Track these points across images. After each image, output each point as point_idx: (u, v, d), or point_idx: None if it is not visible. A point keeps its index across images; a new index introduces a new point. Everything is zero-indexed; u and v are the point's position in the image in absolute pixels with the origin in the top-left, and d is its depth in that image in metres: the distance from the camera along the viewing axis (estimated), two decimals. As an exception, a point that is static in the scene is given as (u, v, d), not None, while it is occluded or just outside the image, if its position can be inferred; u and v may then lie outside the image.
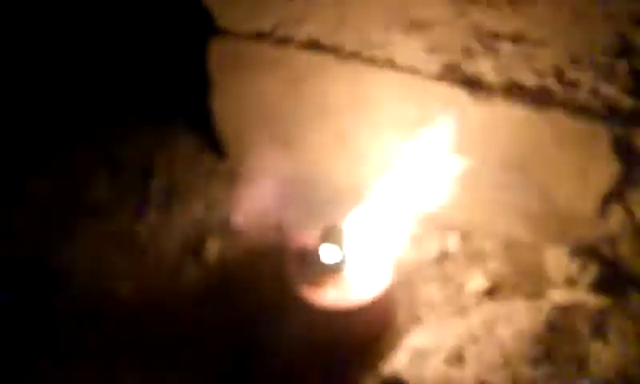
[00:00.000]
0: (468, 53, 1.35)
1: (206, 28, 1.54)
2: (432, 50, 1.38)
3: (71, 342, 1.42)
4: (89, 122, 1.78)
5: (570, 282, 1.45)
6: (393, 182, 1.45)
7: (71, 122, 1.78)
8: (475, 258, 1.55)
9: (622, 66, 1.24)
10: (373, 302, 1.35)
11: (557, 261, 1.49)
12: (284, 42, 1.49)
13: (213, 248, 1.58)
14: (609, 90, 1.28)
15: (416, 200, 1.47)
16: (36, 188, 1.67)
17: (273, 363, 1.37)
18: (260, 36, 1.49)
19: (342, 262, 1.38)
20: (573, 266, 1.46)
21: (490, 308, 1.37)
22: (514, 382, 1.22)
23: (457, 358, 1.26)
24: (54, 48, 1.82)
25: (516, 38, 1.30)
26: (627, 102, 1.28)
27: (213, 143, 1.71)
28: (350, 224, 1.41)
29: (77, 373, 1.37)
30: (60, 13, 1.82)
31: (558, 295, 1.41)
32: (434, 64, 1.39)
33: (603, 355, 1.26)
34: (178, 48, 1.73)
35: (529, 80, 1.34)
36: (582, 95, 1.31)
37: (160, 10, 1.75)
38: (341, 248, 1.38)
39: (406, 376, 1.26)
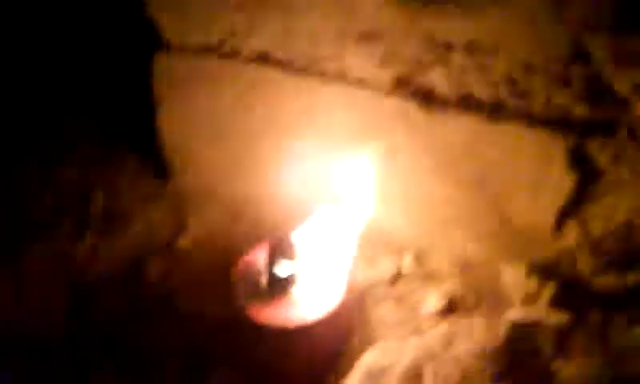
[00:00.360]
0: (420, 64, 1.32)
1: (152, 44, 1.48)
2: (383, 61, 1.33)
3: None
4: (26, 139, 1.68)
5: (529, 300, 1.40)
6: (340, 199, 1.39)
7: (8, 139, 1.68)
8: (430, 277, 1.49)
9: (576, 72, 1.22)
10: (324, 322, 1.28)
11: (514, 279, 1.43)
12: (232, 55, 1.43)
13: (155, 269, 1.49)
14: (563, 99, 1.25)
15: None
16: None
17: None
18: (207, 50, 1.44)
19: (292, 279, 1.31)
20: (531, 284, 1.41)
21: (447, 326, 1.30)
22: (474, 400, 1.15)
23: (413, 377, 1.18)
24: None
25: (469, 48, 1.27)
26: (581, 110, 1.25)
27: (157, 163, 1.63)
28: (299, 241, 1.34)
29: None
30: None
31: (517, 313, 1.35)
32: (385, 76, 1.35)
33: (566, 372, 1.20)
34: (123, 65, 1.65)
35: (482, 91, 1.30)
36: (536, 105, 1.27)
37: (104, 25, 1.67)
38: (290, 265, 1.31)
39: (360, 398, 1.18)
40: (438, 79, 1.32)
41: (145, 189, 1.64)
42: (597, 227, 1.36)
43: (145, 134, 1.59)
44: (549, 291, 1.40)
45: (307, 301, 1.30)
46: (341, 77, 1.37)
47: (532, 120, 1.29)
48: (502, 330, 1.25)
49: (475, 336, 1.24)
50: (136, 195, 1.63)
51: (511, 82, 1.27)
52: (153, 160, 1.63)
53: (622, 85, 1.20)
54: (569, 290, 1.41)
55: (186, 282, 1.46)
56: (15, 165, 1.63)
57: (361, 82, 1.36)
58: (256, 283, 1.31)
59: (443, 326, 1.31)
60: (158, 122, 1.55)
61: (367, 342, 1.34)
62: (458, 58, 1.28)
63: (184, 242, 1.56)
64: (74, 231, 1.54)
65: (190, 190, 1.61)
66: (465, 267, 1.49)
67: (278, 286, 1.30)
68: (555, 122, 1.28)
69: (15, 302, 1.40)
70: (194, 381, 1.31)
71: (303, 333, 1.27)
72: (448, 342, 1.24)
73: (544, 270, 1.43)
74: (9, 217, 1.54)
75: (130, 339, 1.36)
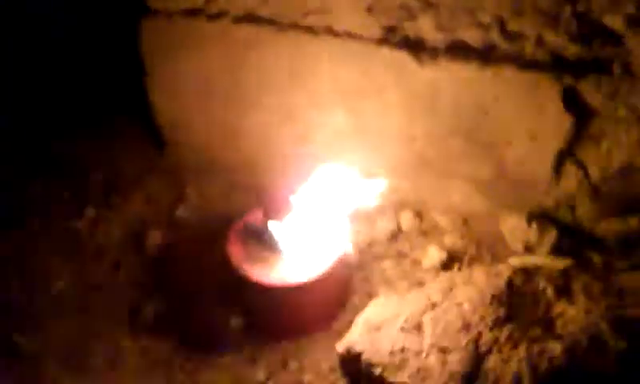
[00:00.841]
0: (408, 11, 1.27)
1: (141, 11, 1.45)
2: (370, 11, 1.28)
3: (4, 342, 1.30)
4: (21, 117, 1.66)
5: (530, 248, 1.37)
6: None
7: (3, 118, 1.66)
8: (430, 233, 1.46)
9: (567, 10, 1.17)
10: (320, 280, 1.26)
11: (515, 228, 1.40)
12: (219, 16, 1.39)
13: (154, 239, 1.47)
14: (554, 39, 1.21)
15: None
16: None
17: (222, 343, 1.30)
18: (193, 12, 1.40)
19: (287, 239, 1.29)
20: (531, 232, 1.38)
21: (448, 277, 1.27)
22: (475, 345, 1.11)
23: (414, 327, 1.16)
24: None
25: (456, -10, 1.23)
26: (574, 49, 1.20)
27: (154, 135, 1.61)
28: (296, 202, 1.32)
29: (8, 374, 1.26)
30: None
31: (518, 260, 1.32)
32: (374, 27, 1.30)
33: (569, 314, 1.17)
34: (115, 36, 1.61)
35: (472, 36, 1.26)
36: (528, 47, 1.23)
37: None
38: (286, 226, 1.29)
39: (360, 348, 1.15)
40: (427, 26, 1.27)
41: (144, 161, 1.62)
42: (595, 171, 1.32)
43: (142, 106, 1.57)
44: (549, 239, 1.37)
45: (303, 260, 1.27)
46: (329, 31, 1.33)
47: (524, 63, 1.25)
48: (502, 277, 1.22)
49: (475, 284, 1.21)
50: (135, 168, 1.60)
51: (501, 23, 1.23)
52: (151, 132, 1.61)
53: (613, 19, 1.16)
54: (569, 237, 1.38)
55: (182, 250, 1.45)
56: (9, 142, 1.62)
57: (349, 35, 1.32)
58: (252, 244, 1.29)
59: (443, 278, 1.29)
60: (149, 91, 1.52)
61: (368, 299, 1.32)
62: (446, 1, 1.24)
63: (182, 211, 1.54)
64: (72, 207, 1.53)
65: (188, 160, 1.58)
66: (464, 221, 1.47)
67: (274, 247, 1.29)
68: (548, 64, 1.24)
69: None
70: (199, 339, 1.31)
71: (299, 290, 1.25)
72: (448, 291, 1.21)
73: (544, 218, 1.40)
74: (10, 194, 1.54)
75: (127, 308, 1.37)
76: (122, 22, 1.49)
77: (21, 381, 1.26)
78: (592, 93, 1.24)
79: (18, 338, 1.32)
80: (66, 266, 1.42)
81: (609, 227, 1.37)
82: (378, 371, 1.12)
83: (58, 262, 1.43)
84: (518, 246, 1.39)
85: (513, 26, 1.22)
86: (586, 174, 1.33)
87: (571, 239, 1.37)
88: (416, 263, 1.41)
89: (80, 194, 1.54)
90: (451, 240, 1.43)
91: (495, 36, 1.25)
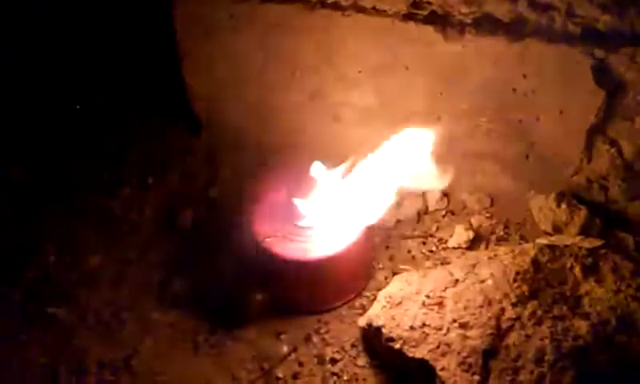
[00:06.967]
0: (435, -16, 1.18)
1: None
2: (397, -15, 1.20)
3: (39, 314, 1.25)
4: (60, 100, 1.61)
5: (559, 228, 1.26)
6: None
7: (42, 102, 1.61)
8: (458, 213, 1.37)
9: (598, -23, 1.06)
10: (346, 255, 1.18)
11: (543, 208, 1.29)
12: (247, -4, 1.32)
13: (187, 218, 1.40)
14: (585, 9, 1.10)
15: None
16: (13, 173, 1.51)
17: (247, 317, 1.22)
18: (225, -8, 1.33)
19: (311, 215, 1.21)
20: (560, 212, 1.26)
21: (473, 255, 1.17)
22: (497, 321, 1.01)
23: (435, 302, 1.06)
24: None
25: (484, -39, 1.13)
26: (605, 20, 1.09)
27: (188, 118, 1.55)
28: (322, 181, 1.24)
29: (42, 343, 1.21)
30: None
31: (546, 240, 1.20)
32: (400, 2, 1.21)
33: (597, 293, 1.06)
34: (151, 20, 1.56)
35: (500, 9, 1.16)
36: (558, 19, 1.13)
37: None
38: (310, 202, 1.21)
39: (381, 322, 1.06)
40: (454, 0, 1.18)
41: (179, 142, 1.55)
42: (629, 148, 1.20)
43: (178, 88, 1.51)
44: (579, 219, 1.25)
45: (327, 236, 1.20)
46: (355, 7, 1.25)
47: (554, 35, 1.14)
48: (528, 254, 1.11)
49: (500, 262, 1.11)
50: (171, 149, 1.54)
51: (530, -6, 1.12)
52: (187, 114, 1.55)
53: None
54: (601, 217, 1.26)
55: (214, 228, 1.37)
56: (49, 125, 1.57)
57: (376, 10, 1.23)
58: (277, 220, 1.22)
59: (468, 255, 1.19)
60: (185, 73, 1.45)
61: (393, 277, 1.23)
62: (473, -26, 1.14)
63: (215, 191, 1.47)
64: (109, 186, 1.46)
65: (222, 140, 1.51)
66: (493, 201, 1.36)
67: (299, 223, 1.21)
68: (579, 36, 1.13)
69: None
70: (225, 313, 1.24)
71: (322, 265, 1.17)
72: (471, 268, 1.11)
73: (574, 198, 1.28)
74: (44, 177, 1.50)
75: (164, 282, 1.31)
76: (157, 4, 1.44)
77: (53, 350, 1.21)
78: (625, 67, 1.13)
79: (54, 309, 1.27)
80: (101, 242, 1.37)
81: (642, 208, 1.24)
82: (397, 345, 1.04)
83: (94, 238, 1.38)
84: (547, 227, 1.27)
85: (542, -4, 1.12)
86: (619, 152, 1.21)
87: (602, 219, 1.25)
88: (442, 243, 1.31)
89: (117, 174, 1.49)
90: (478, 220, 1.33)
91: (524, 8, 1.14)
